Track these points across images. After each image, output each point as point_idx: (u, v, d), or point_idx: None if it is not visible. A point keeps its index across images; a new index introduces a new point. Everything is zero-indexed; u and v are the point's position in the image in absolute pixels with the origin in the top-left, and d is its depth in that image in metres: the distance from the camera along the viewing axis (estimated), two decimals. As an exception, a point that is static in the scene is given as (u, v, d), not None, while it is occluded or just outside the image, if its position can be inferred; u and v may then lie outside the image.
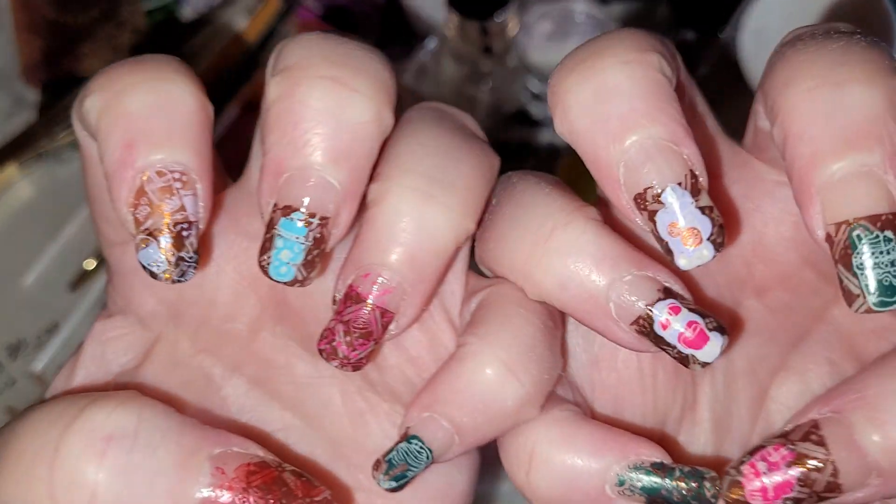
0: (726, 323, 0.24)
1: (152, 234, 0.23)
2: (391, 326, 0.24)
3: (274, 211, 0.23)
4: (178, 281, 0.23)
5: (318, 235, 0.23)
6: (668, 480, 0.24)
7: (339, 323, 0.24)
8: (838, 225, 0.21)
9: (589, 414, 0.26)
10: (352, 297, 0.24)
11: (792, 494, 0.23)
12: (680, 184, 0.22)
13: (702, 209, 0.22)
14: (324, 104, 0.23)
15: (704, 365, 0.23)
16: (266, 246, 0.23)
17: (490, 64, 0.57)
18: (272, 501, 0.22)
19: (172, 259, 0.23)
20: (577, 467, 0.24)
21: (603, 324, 0.24)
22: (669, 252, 0.23)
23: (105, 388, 0.27)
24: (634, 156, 0.22)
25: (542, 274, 0.24)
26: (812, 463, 0.22)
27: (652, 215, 0.23)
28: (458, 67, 0.58)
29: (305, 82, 0.23)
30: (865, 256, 0.21)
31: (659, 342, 0.23)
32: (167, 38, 0.56)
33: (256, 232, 0.26)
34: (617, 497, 0.24)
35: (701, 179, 0.22)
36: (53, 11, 0.52)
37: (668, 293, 0.23)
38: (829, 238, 0.21)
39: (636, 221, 0.23)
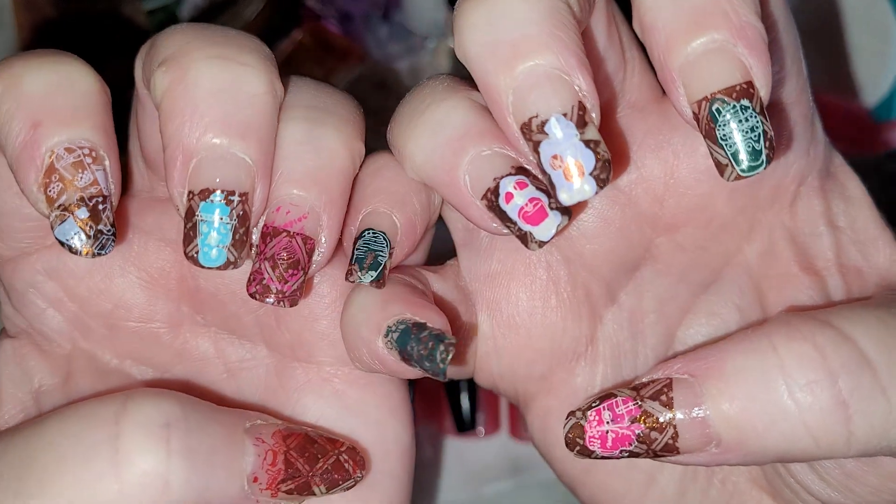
0: (577, 209, 0.24)
1: (67, 210, 0.23)
2: (315, 255, 0.24)
3: (190, 198, 0.23)
4: (99, 254, 0.23)
5: (241, 213, 0.23)
6: (414, 337, 0.24)
7: (265, 260, 0.24)
8: (699, 102, 0.22)
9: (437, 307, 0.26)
10: (269, 234, 0.24)
11: (629, 448, 0.23)
12: (565, 114, 0.22)
13: (587, 142, 0.22)
14: (217, 83, 0.23)
15: (541, 244, 0.23)
16: (190, 235, 0.23)
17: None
18: (310, 457, 0.24)
19: (91, 232, 0.23)
20: (367, 312, 0.24)
21: (460, 199, 0.24)
22: (552, 185, 0.22)
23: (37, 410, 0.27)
24: (522, 83, 0.22)
25: (414, 146, 0.24)
26: (654, 423, 0.23)
27: (536, 146, 0.22)
28: (458, 67, 0.58)
29: (194, 65, 0.23)
30: (727, 127, 0.22)
31: (503, 218, 0.23)
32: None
33: (150, 227, 0.26)
34: (384, 347, 0.24)
35: (591, 112, 0.22)
36: (55, 11, 0.53)
37: (520, 171, 0.23)
38: (695, 116, 0.22)
39: (524, 152, 0.23)
